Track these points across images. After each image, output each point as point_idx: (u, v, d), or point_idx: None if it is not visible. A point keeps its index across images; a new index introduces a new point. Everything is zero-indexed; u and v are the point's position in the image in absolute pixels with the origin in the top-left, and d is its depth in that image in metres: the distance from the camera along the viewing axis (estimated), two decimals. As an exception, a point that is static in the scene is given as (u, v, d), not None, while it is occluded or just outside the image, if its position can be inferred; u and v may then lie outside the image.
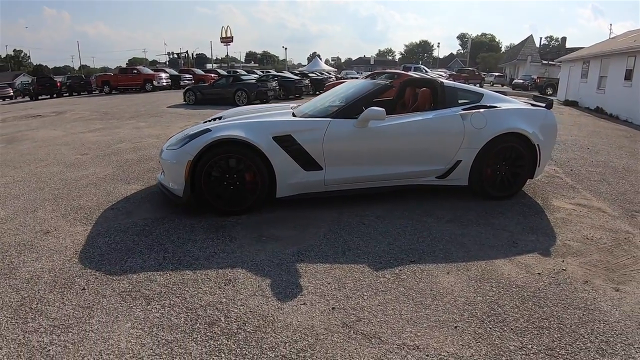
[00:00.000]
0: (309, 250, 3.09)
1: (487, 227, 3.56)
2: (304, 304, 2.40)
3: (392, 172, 3.94)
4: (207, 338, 2.09)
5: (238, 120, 4.01)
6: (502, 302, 2.42)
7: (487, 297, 2.46)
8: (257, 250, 3.10)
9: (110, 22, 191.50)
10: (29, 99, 26.64)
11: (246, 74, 22.33)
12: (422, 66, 29.35)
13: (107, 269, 2.87)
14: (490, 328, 2.17)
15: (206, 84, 18.37)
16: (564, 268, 2.86)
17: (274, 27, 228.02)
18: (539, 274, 2.77)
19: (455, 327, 2.18)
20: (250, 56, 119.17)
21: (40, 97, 26.07)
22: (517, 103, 4.44)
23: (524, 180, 4.28)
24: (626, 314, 2.33)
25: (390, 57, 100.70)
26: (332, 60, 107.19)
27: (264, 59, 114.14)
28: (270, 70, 34.30)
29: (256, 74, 24.39)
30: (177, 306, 2.39)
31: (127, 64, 78.75)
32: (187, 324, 2.21)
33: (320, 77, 23.91)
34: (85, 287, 2.62)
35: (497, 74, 40.28)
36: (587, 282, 2.67)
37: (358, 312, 2.31)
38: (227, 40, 57.21)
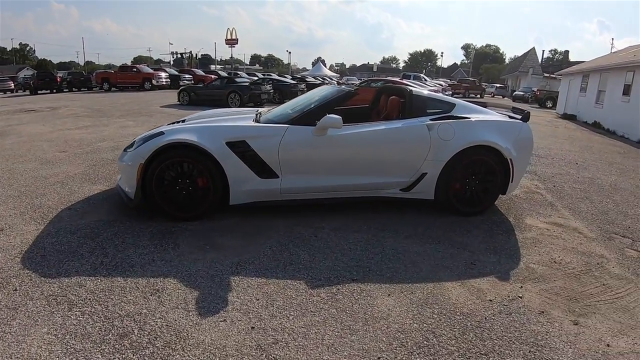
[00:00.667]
0: (249, 262, 2.89)
1: (447, 245, 3.33)
2: (224, 320, 2.23)
3: (353, 182, 3.74)
4: (114, 350, 2.00)
5: (195, 124, 3.83)
6: (439, 331, 2.19)
7: (425, 325, 2.24)
8: (196, 260, 2.92)
9: (117, 19, 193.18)
10: (29, 93, 26.63)
11: (242, 76, 22.21)
12: (422, 75, 29.28)
13: (43, 271, 2.79)
14: (416, 361, 1.94)
15: (201, 85, 18.26)
16: (521, 295, 2.62)
17: (280, 30, 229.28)
18: (490, 300, 2.54)
19: (378, 359, 1.95)
20: (255, 59, 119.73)
21: (40, 92, 26.08)
22: (492, 115, 4.24)
23: (495, 197, 4.09)
24: (581, 352, 2.08)
25: (394, 65, 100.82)
26: (336, 66, 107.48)
27: (268, 62, 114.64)
28: (271, 74, 34.29)
29: (256, 76, 24.32)
30: (96, 314, 2.30)
31: (132, 61, 79.01)
32: (99, 334, 2.13)
33: (319, 82, 23.80)
34: (18, 288, 2.56)
35: (498, 85, 40.11)
36: (543, 312, 2.44)
37: (277, 334, 2.12)
38: (231, 42, 57.38)
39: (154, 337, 2.10)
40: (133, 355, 1.97)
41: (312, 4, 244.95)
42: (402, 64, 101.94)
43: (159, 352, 1.99)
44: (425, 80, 26.28)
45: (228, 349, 2.02)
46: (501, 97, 34.96)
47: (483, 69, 70.34)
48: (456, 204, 3.94)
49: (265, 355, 1.97)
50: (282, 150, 3.53)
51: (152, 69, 30.22)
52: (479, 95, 31.13)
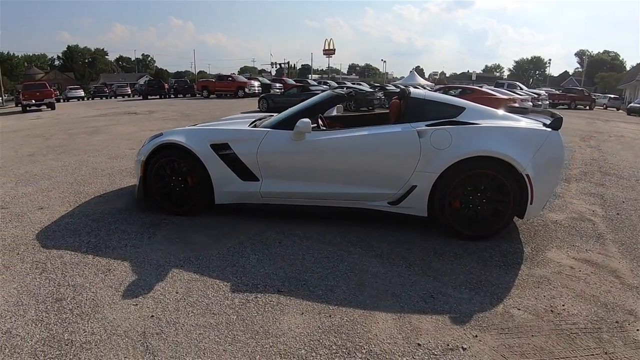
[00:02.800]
0: (199, 259, 2.98)
1: (416, 270, 2.91)
2: (135, 305, 2.40)
3: (335, 191, 3.52)
4: (44, 309, 2.37)
5: (191, 127, 4.14)
6: None
7: (315, 354, 1.99)
8: (158, 250, 3.13)
9: (228, 33, 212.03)
10: (141, 98, 30.60)
11: (329, 84, 22.75)
12: (518, 83, 26.93)
13: (46, 242, 3.34)
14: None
15: (278, 93, 19.22)
16: (465, 347, 2.09)
17: (379, 41, 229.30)
18: (418, 344, 2.09)
19: None
20: (353, 68, 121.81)
21: (150, 97, 29.87)
22: (513, 121, 3.57)
23: (507, 220, 3.37)
24: None
25: (497, 73, 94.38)
26: (434, 75, 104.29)
27: (365, 71, 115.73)
28: (361, 83, 34.62)
29: (347, 85, 24.80)
30: (54, 280, 2.71)
31: (238, 71, 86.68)
32: (44, 296, 2.51)
33: (397, 91, 23.38)
34: (20, 252, 3.13)
35: (612, 96, 34.98)
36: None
37: (166, 326, 2.19)
38: (329, 52, 59.53)
39: (76, 306, 2.39)
40: (53, 316, 2.29)
41: (412, 13, 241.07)
42: (506, 72, 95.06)
43: (70, 318, 2.27)
44: (522, 88, 24.17)
45: (119, 329, 2.17)
46: (615, 109, 30.70)
47: (598, 77, 62.17)
48: (455, 224, 3.37)
49: (142, 343, 2.06)
50: (261, 154, 3.56)
51: (246, 78, 32.58)
52: (587, 107, 27.78)
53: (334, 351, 1.98)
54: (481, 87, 16.79)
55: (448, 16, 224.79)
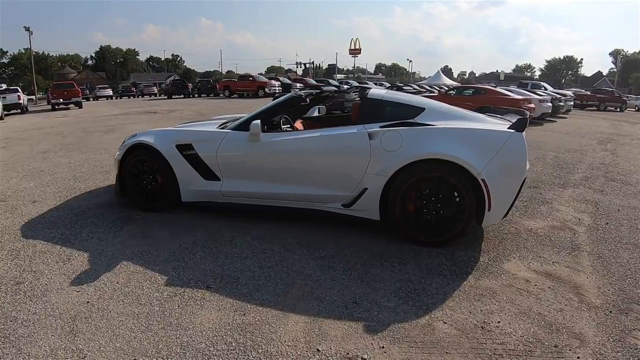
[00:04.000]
0: (150, 253, 3.19)
1: (352, 275, 2.88)
2: (78, 291, 2.68)
3: (290, 192, 3.61)
4: (5, 290, 2.70)
5: (161, 128, 4.38)
6: None
7: (212, 350, 2.09)
8: (119, 243, 3.38)
9: (256, 33, 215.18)
10: (166, 97, 31.54)
11: (339, 84, 22.84)
12: (543, 83, 26.12)
13: (28, 232, 3.69)
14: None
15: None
16: (366, 357, 2.05)
17: (407, 40, 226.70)
18: (317, 350, 2.09)
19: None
20: (380, 68, 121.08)
21: (174, 97, 30.77)
22: (476, 122, 3.45)
23: (463, 226, 3.22)
24: None
25: (528, 73, 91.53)
26: (461, 74, 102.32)
27: (392, 71, 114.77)
28: (384, 83, 34.57)
29: (368, 84, 24.87)
30: (20, 266, 3.03)
31: (265, 71, 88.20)
32: (9, 279, 2.84)
33: (413, 91, 23.22)
34: (1, 241, 3.48)
35: (646, 97, 33.57)
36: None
37: (96, 312, 2.43)
38: (355, 52, 59.46)
39: (30, 289, 2.67)
40: (9, 296, 2.60)
41: (442, 12, 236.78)
42: (537, 72, 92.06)
43: (22, 299, 2.56)
44: (545, 89, 23.44)
45: (56, 311, 2.40)
46: (647, 111, 29.37)
47: (633, 78, 59.31)
48: (408, 229, 3.29)
49: (70, 324, 2.28)
50: (220, 155, 3.73)
51: (267, 77, 33.06)
52: (617, 109, 26.68)
53: (231, 348, 2.07)
54: (495, 87, 16.45)
55: (479, 14, 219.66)
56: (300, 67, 73.22)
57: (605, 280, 2.91)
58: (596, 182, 5.84)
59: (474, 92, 14.47)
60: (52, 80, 52.50)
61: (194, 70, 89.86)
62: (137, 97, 39.14)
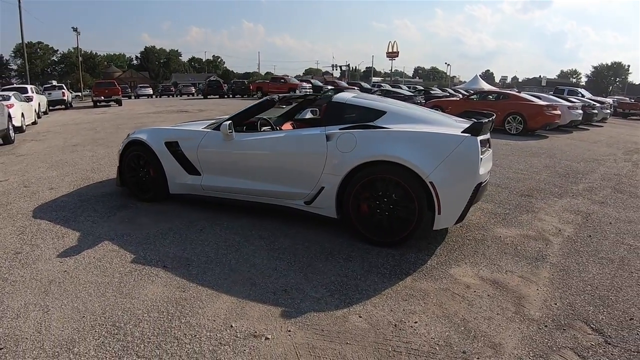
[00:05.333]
0: (130, 236, 3.61)
1: (295, 267, 3.07)
2: (61, 262, 3.15)
3: (259, 188, 3.90)
4: (4, 257, 3.20)
5: (162, 127, 4.84)
6: (132, 328, 2.28)
7: (132, 318, 2.40)
8: (108, 227, 3.85)
9: (296, 35, 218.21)
10: (202, 97, 32.84)
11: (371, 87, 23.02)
12: (580, 89, 25.07)
13: (37, 214, 4.27)
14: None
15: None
16: (269, 337, 2.22)
17: (448, 43, 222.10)
18: (231, 326, 2.31)
19: (62, 329, 2.31)
20: (418, 71, 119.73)
21: (209, 97, 32.02)
22: (434, 125, 3.50)
23: (414, 229, 3.27)
24: None
25: (574, 79, 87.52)
26: (503, 79, 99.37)
27: (430, 75, 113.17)
28: (417, 86, 34.47)
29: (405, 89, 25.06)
30: (22, 240, 3.58)
31: (303, 73, 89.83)
32: (11, 249, 3.38)
33: (441, 95, 23.05)
34: (15, 220, 4.05)
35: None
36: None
37: (68, 279, 2.87)
38: (392, 54, 59.19)
39: (25, 258, 3.20)
40: (7, 263, 3.11)
41: (485, 14, 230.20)
42: (583, 79, 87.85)
43: (16, 265, 3.08)
44: (583, 95, 22.58)
45: (38, 276, 2.90)
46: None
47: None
48: (360, 228, 3.44)
49: (45, 287, 2.74)
50: (200, 152, 4.13)
51: (300, 80, 33.70)
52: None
53: (161, 316, 2.39)
54: (519, 92, 16.07)
55: (523, 17, 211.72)
56: (336, 69, 73.79)
57: (557, 293, 2.81)
58: (600, 193, 5.69)
59: (496, 97, 14.22)
60: (98, 78, 55.80)
61: (232, 71, 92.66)
62: (176, 96, 40.98)
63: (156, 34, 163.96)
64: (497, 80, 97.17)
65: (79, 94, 41.30)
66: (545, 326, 2.43)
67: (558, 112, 13.01)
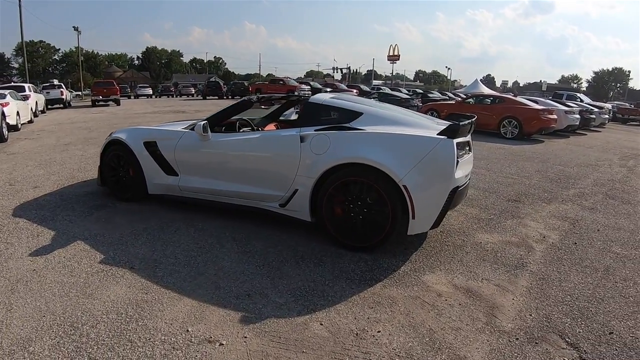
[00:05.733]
0: (104, 236, 3.62)
1: (263, 270, 3.05)
2: (31, 261, 3.16)
3: (235, 189, 3.86)
4: None
5: (141, 127, 4.84)
6: (95, 327, 2.31)
7: (90, 318, 2.40)
8: (83, 226, 3.85)
9: (298, 37, 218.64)
10: (202, 98, 32.88)
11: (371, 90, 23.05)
12: (579, 94, 24.99)
13: (17, 212, 4.28)
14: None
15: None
16: (224, 343, 2.20)
17: (449, 46, 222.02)
18: (187, 330, 2.29)
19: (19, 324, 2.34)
20: (419, 75, 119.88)
21: (208, 97, 32.06)
22: (409, 127, 3.40)
23: (387, 233, 3.20)
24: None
25: (574, 84, 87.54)
26: (504, 84, 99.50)
27: (431, 79, 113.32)
28: (416, 90, 34.50)
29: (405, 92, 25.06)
30: None
31: (304, 75, 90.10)
32: None
33: (438, 98, 23.06)
34: None
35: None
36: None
37: (36, 278, 2.88)
38: (393, 58, 59.18)
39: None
40: None
41: (486, 18, 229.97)
42: (584, 84, 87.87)
43: None
44: (581, 100, 22.57)
45: (8, 274, 2.92)
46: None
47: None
48: (334, 232, 3.37)
49: (13, 285, 2.76)
50: (177, 152, 4.13)
51: (298, 81, 33.72)
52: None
53: (120, 318, 2.39)
54: (515, 96, 16.05)
55: (525, 22, 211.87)
56: (336, 72, 73.87)
57: (534, 304, 2.69)
58: (591, 199, 5.57)
59: (492, 101, 14.21)
60: (100, 77, 55.98)
61: (233, 72, 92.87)
62: (175, 96, 41.03)
63: (158, 34, 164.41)
64: (498, 84, 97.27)
65: (80, 93, 41.35)
66: (517, 339, 2.31)
67: (554, 116, 12.98)
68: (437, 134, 3.19)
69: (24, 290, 2.70)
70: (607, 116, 20.60)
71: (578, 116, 14.99)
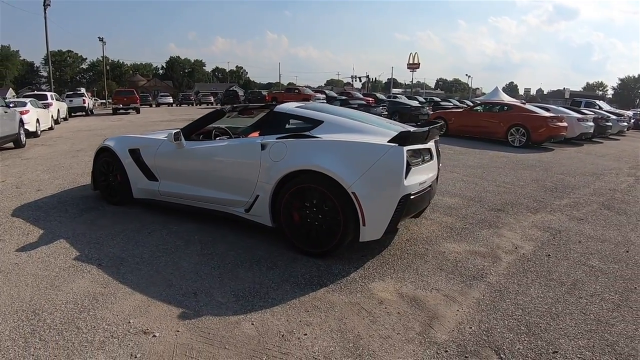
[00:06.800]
0: (85, 236, 3.90)
1: (217, 272, 3.18)
2: (16, 255, 3.46)
3: (205, 195, 4.03)
4: None
5: (129, 135, 5.18)
6: (47, 312, 2.58)
7: (44, 306, 2.71)
8: (69, 226, 4.17)
9: (319, 46, 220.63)
10: (220, 106, 33.67)
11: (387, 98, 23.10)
12: (598, 101, 24.40)
13: (16, 212, 4.66)
14: None
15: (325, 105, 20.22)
16: (157, 335, 2.36)
17: (471, 54, 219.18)
18: (129, 322, 2.48)
19: None
20: (439, 83, 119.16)
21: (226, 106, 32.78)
22: (364, 135, 3.46)
23: (340, 240, 3.26)
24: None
25: (600, 92, 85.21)
26: (527, 92, 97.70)
27: (452, 86, 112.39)
28: (433, 98, 34.50)
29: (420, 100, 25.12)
30: None
31: (325, 84, 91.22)
32: None
33: (451, 106, 22.94)
34: None
35: None
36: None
37: (15, 270, 3.18)
38: (413, 66, 59.27)
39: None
40: None
41: (509, 26, 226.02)
42: (610, 91, 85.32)
43: None
44: (600, 107, 22.06)
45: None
46: None
47: None
48: (292, 237, 3.49)
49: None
50: (157, 159, 4.42)
51: (314, 90, 34.19)
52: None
53: (76, 307, 2.64)
54: (524, 103, 15.81)
55: (549, 29, 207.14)
56: (355, 80, 74.27)
57: (479, 316, 2.62)
58: (584, 209, 5.38)
59: (500, 109, 14.07)
60: (124, 86, 57.97)
61: (254, 81, 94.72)
62: (195, 105, 42.05)
63: (182, 44, 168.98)
64: (521, 92, 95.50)
65: (104, 101, 42.97)
66: (446, 351, 2.27)
67: (564, 124, 12.68)
68: (388, 141, 3.24)
69: (3, 280, 3.02)
70: (625, 124, 20.00)
71: (592, 124, 14.59)
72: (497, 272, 3.30)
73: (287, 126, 3.84)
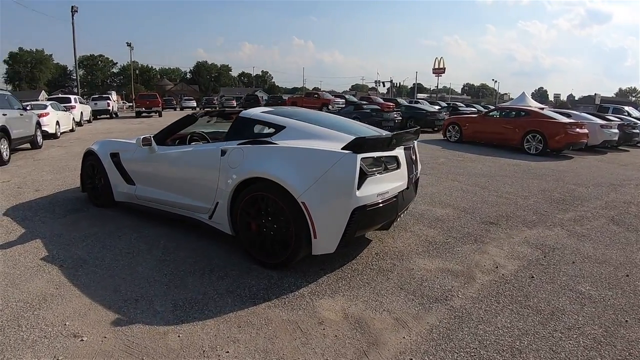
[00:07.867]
0: (62, 237, 4.04)
1: (165, 279, 3.16)
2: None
3: (173, 200, 4.05)
4: None
5: (111, 138, 5.33)
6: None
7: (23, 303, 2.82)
8: (49, 226, 4.35)
9: (344, 51, 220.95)
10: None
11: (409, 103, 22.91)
12: (627, 108, 23.26)
13: (8, 212, 4.84)
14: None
15: (338, 109, 20.17)
16: (86, 339, 2.40)
17: (500, 59, 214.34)
18: (65, 324, 2.53)
19: None
20: (465, 88, 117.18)
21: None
22: (326, 140, 3.27)
23: (293, 252, 3.12)
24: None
25: (633, 98, 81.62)
26: (556, 97, 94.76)
27: (479, 92, 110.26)
28: (457, 103, 33.91)
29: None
30: None
31: (350, 89, 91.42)
32: None
33: (466, 111, 22.41)
34: None
35: None
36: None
37: None
38: (438, 71, 58.56)
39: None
40: None
41: (539, 30, 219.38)
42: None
43: None
44: (629, 114, 21.05)
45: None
46: None
47: None
48: (247, 246, 3.41)
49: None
50: (132, 163, 4.54)
51: (333, 95, 34.21)
52: None
53: (25, 306, 2.73)
54: (542, 109, 15.15)
55: (581, 33, 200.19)
56: (379, 85, 73.91)
57: (425, 346, 2.38)
58: (589, 224, 4.91)
59: (516, 115, 13.51)
60: (152, 90, 59.78)
61: (278, 86, 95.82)
62: (217, 108, 42.68)
63: (210, 49, 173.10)
64: (550, 97, 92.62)
65: (132, 104, 44.40)
66: None
67: (584, 130, 11.97)
68: (342, 148, 3.03)
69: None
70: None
71: (616, 131, 13.80)
72: (465, 295, 2.98)
73: (252, 132, 3.78)
